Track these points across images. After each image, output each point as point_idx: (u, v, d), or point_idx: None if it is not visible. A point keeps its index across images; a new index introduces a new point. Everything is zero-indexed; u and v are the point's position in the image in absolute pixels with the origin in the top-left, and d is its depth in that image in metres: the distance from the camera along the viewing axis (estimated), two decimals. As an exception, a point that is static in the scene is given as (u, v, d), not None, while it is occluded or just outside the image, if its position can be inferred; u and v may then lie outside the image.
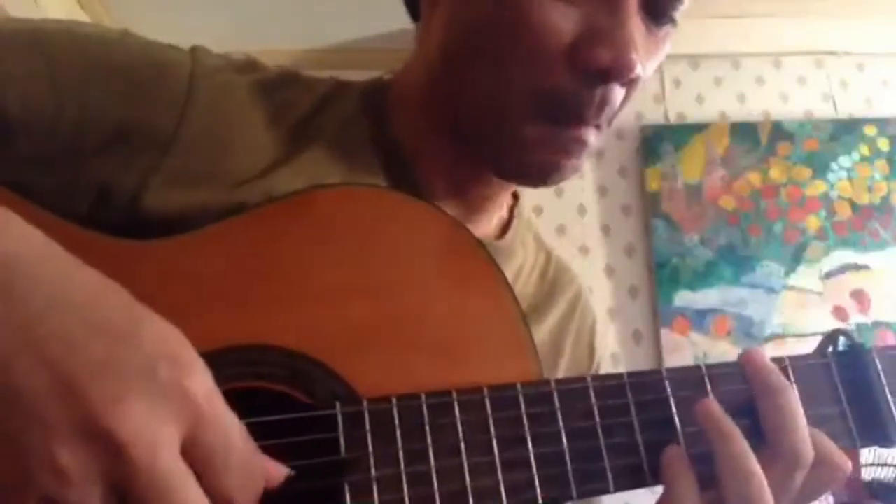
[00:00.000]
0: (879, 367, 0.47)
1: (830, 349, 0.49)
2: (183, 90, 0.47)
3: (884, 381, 0.47)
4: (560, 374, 0.60)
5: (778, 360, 0.46)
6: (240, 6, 1.95)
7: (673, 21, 0.48)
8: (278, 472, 0.35)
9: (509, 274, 0.58)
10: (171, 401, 0.30)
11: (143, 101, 0.45)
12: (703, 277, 1.99)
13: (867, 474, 1.49)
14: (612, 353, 1.96)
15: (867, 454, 1.50)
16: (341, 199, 0.45)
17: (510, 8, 0.45)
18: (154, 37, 0.50)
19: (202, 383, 0.31)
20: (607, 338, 1.96)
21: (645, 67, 0.47)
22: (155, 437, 0.29)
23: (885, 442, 0.46)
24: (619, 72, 0.44)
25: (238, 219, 0.43)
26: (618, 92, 0.47)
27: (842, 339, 0.49)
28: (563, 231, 2.04)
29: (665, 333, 1.95)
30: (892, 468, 1.49)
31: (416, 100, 0.54)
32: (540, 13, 0.44)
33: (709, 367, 0.45)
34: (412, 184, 0.53)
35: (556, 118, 0.47)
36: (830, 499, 1.52)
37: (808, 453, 0.41)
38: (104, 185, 0.44)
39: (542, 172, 0.49)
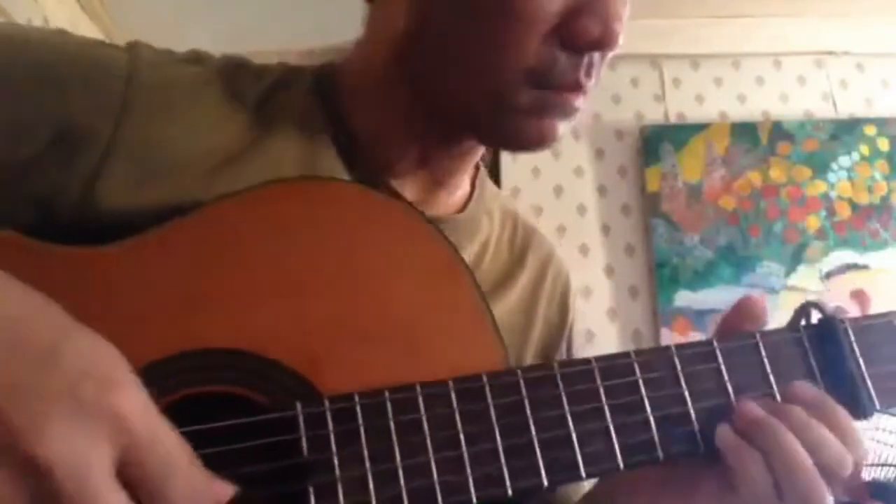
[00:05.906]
0: (852, 337, 0.47)
1: (803, 322, 0.48)
2: (119, 90, 0.45)
3: (857, 351, 0.46)
4: (534, 340, 0.60)
5: (749, 336, 0.46)
6: (240, 6, 1.95)
7: None
8: (225, 490, 0.33)
9: (475, 249, 0.58)
10: (97, 420, 0.28)
11: (77, 106, 0.44)
12: (703, 277, 1.99)
13: (867, 474, 1.49)
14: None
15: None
16: (295, 193, 0.44)
17: None
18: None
19: (132, 400, 0.30)
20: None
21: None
22: (81, 459, 0.27)
23: (860, 412, 0.45)
24: (607, 43, 0.46)
25: (188, 219, 0.42)
26: (599, 56, 0.48)
27: (815, 312, 0.48)
28: (563, 231, 2.04)
29: (665, 333, 1.95)
30: (892, 468, 1.49)
31: (374, 82, 0.53)
32: None
33: (678, 347, 0.45)
34: (371, 169, 0.52)
35: (549, 85, 0.48)
36: (830, 499, 1.51)
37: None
38: (45, 195, 0.43)
39: (538, 137, 0.50)
